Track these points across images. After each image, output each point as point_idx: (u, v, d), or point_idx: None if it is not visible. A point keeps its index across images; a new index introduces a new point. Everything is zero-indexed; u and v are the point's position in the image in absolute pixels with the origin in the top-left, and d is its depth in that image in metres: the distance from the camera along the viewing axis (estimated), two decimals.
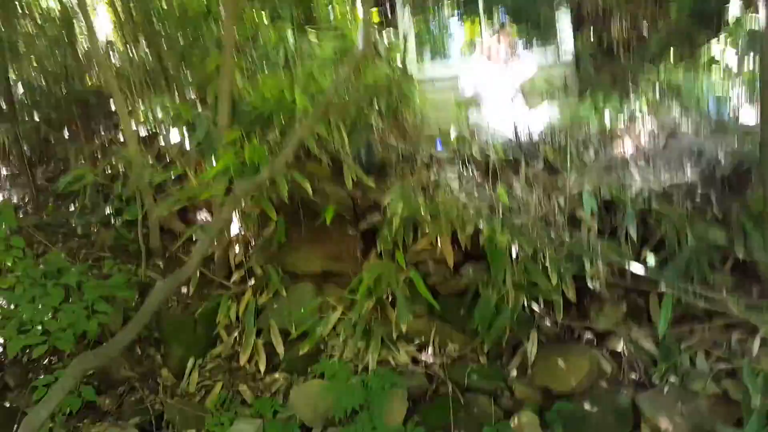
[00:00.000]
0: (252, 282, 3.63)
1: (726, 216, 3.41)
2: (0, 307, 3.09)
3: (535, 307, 3.33)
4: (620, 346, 3.23)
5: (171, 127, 4.33)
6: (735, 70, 4.34)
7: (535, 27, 5.62)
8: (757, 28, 4.07)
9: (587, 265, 3.29)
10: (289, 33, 4.28)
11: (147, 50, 4.75)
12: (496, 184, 3.89)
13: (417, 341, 3.48)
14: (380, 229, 3.57)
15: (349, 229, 3.83)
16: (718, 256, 3.31)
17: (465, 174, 4.14)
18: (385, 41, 4.74)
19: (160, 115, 4.46)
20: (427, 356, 3.41)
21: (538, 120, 4.86)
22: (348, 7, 4.83)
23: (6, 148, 4.60)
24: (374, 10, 4.63)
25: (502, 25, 5.44)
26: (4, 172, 4.76)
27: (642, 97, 4.53)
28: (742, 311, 2.97)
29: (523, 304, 3.26)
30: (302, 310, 3.37)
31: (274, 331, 3.40)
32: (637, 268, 3.24)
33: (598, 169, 3.83)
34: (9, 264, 3.17)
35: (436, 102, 5.40)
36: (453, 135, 4.70)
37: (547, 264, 3.27)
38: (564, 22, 5.76)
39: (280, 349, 3.36)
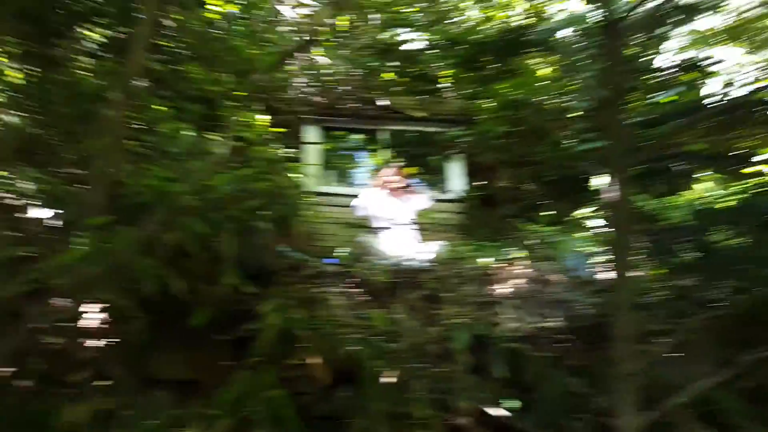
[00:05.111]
0: (101, 383, 3.42)
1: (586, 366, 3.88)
2: None
3: None
4: None
5: (37, 201, 4.21)
6: (598, 232, 5.26)
7: (429, 171, 6.49)
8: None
9: (455, 400, 3.56)
10: (187, 129, 4.53)
11: (31, 118, 4.72)
12: (375, 306, 4.19)
13: None
14: (254, 339, 3.62)
15: (221, 336, 3.82)
16: (578, 404, 3.71)
17: (348, 293, 4.42)
18: (286, 153, 5.13)
19: (28, 186, 4.33)
20: None
21: (424, 251, 5.40)
22: (250, 116, 5.24)
23: None
24: (265, 119, 5.08)
25: (401, 162, 6.20)
26: None
27: (518, 245, 5.27)
28: None
29: None
30: (153, 422, 3.21)
31: None
32: (497, 411, 3.53)
33: (473, 304, 4.29)
34: None
35: (331, 219, 5.81)
36: (342, 252, 5.03)
37: (417, 395, 3.49)
38: (458, 167, 6.68)
39: None
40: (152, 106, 4.66)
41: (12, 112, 4.56)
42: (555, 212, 5.44)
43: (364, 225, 5.36)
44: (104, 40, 5.27)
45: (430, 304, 4.32)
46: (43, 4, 4.73)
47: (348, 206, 6.21)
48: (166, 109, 4.80)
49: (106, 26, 5.28)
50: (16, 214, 4.27)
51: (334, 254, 5.23)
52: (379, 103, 6.67)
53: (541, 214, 5.52)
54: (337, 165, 7.08)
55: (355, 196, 6.16)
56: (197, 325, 3.52)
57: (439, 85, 6.79)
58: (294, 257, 4.68)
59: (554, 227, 5.47)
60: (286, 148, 5.29)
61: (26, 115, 4.66)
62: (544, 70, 6.61)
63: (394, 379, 3.50)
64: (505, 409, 3.51)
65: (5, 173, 4.40)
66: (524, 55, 5.50)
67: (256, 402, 3.16)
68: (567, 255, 4.91)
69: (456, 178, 6.72)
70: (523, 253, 5.11)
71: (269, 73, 5.79)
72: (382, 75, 6.60)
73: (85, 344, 3.59)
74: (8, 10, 4.31)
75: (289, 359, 3.63)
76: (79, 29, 5.11)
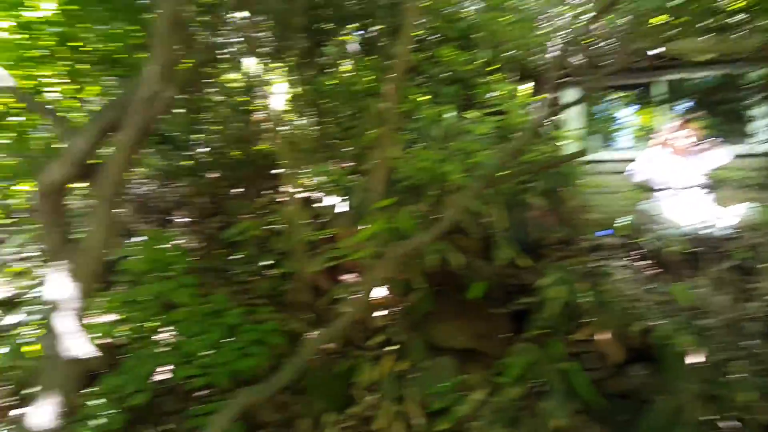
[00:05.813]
0: (391, 348, 3.85)
1: None
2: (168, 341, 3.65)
3: (721, 425, 3.05)
4: None
5: (329, 192, 4.91)
6: None
7: (728, 119, 5.55)
8: None
9: None
10: (447, 111, 4.72)
11: (316, 121, 5.55)
12: (671, 280, 3.75)
13: None
14: (532, 313, 3.60)
15: (496, 308, 3.91)
16: None
17: (633, 265, 4.05)
18: (549, 122, 4.97)
19: (320, 179, 5.09)
20: None
21: (724, 215, 4.63)
22: (507, 88, 5.21)
23: (185, 200, 5.58)
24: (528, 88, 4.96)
25: (687, 115, 5.42)
26: (182, 220, 5.72)
27: None
28: None
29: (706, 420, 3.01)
30: (443, 385, 3.46)
31: (413, 402, 3.52)
32: None
33: None
34: (180, 300, 3.75)
35: (601, 186, 5.42)
36: (620, 222, 4.65)
37: (735, 377, 3.03)
38: (763, 114, 5.58)
39: (418, 420, 3.44)
40: (413, 95, 5.00)
41: (299, 117, 5.41)
42: None
43: (644, 191, 4.84)
44: (359, 41, 5.85)
45: (743, 277, 3.70)
46: (315, 17, 5.48)
47: (618, 173, 5.71)
48: (425, 96, 5.10)
49: (361, 27, 5.86)
50: (314, 204, 5.07)
51: (610, 225, 4.87)
52: (651, 52, 5.95)
53: None
54: (604, 129, 6.56)
55: (629, 160, 5.62)
56: (474, 298, 3.65)
57: (731, 20, 5.72)
58: (564, 230, 4.50)
59: None
60: (548, 116, 5.11)
61: (309, 117, 5.48)
62: None
63: (704, 359, 3.08)
64: None
65: (303, 171, 5.26)
66: None
67: (545, 373, 3.13)
68: None
69: (761, 127, 5.60)
70: None
71: (526, 41, 5.68)
72: (652, 20, 5.86)
73: (378, 313, 4.05)
74: (292, 30, 5.10)
75: (574, 334, 3.51)
76: (340, 35, 5.77)
